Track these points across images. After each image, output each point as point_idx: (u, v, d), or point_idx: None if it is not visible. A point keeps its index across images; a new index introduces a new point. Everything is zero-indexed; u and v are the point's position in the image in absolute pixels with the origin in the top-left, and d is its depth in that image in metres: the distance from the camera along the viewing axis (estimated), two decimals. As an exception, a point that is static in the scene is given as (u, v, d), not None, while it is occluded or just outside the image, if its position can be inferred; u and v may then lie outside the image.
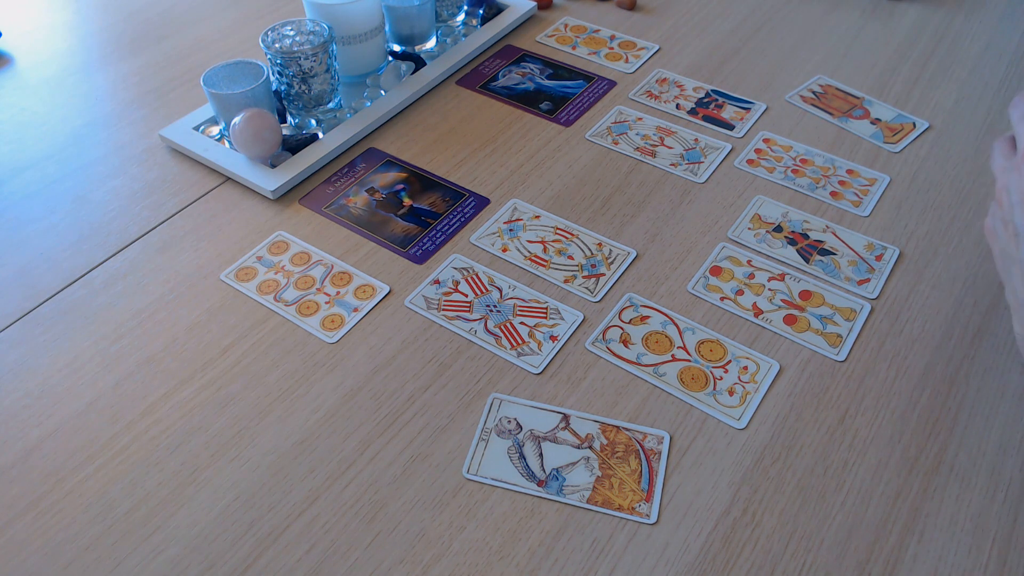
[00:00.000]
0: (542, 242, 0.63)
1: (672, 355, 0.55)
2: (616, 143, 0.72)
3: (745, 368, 0.54)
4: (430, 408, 0.52)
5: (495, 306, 0.58)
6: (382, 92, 0.76)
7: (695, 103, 0.76)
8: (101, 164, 0.71)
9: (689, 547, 0.45)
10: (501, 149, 0.72)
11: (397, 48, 0.81)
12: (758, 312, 0.57)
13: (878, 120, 0.74)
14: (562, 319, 0.57)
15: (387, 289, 0.59)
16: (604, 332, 0.56)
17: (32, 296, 0.60)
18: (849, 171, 0.68)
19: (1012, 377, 0.53)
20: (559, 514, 0.47)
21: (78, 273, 0.62)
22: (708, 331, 0.56)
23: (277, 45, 0.68)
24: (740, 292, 0.59)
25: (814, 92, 0.77)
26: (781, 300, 0.58)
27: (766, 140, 0.72)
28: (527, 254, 0.62)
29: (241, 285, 0.60)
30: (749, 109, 0.75)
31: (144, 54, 0.85)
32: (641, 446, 0.50)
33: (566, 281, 0.60)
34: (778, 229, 0.63)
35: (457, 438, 0.50)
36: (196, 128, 0.72)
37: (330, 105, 0.73)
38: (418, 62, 0.79)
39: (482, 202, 0.67)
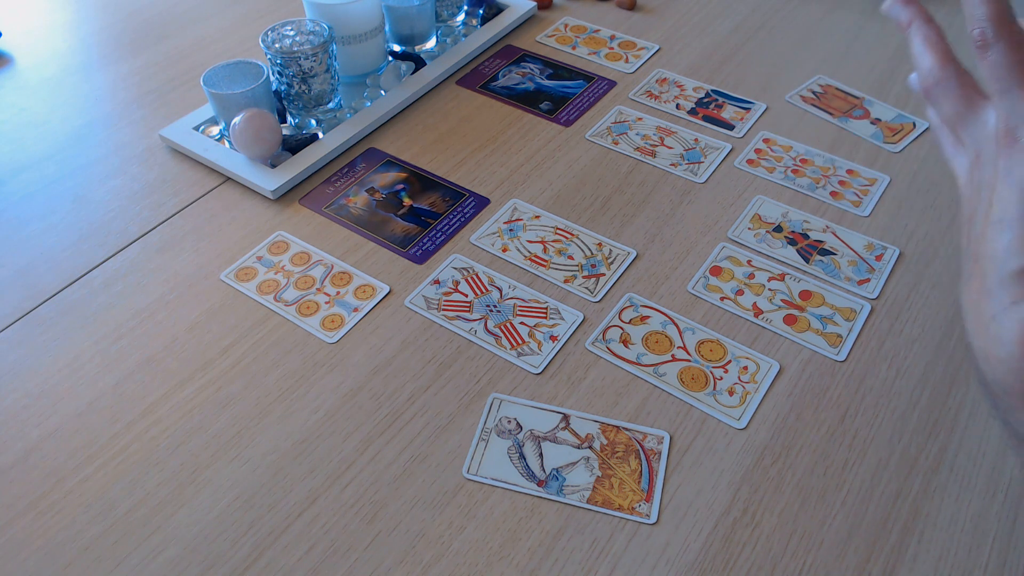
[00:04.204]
0: (542, 242, 0.63)
1: (672, 355, 0.55)
2: (616, 143, 0.72)
3: (745, 368, 0.54)
4: (430, 408, 0.52)
5: (495, 306, 0.58)
6: (382, 92, 0.76)
7: (695, 103, 0.76)
8: (101, 164, 0.71)
9: (689, 547, 0.45)
10: (501, 149, 0.72)
11: (397, 48, 0.81)
12: (758, 312, 0.57)
13: (878, 120, 0.74)
14: (562, 319, 0.57)
15: (387, 289, 0.59)
16: (604, 332, 0.56)
17: (32, 296, 0.60)
18: (849, 171, 0.68)
19: (1012, 377, 0.53)
20: (559, 514, 0.47)
21: (78, 273, 0.62)
22: (708, 331, 0.56)
23: (277, 45, 0.68)
24: (740, 292, 0.59)
25: (814, 92, 0.77)
26: (781, 300, 0.58)
27: (766, 140, 0.72)
28: (527, 254, 0.62)
29: (241, 285, 0.60)
30: (749, 109, 0.75)
31: (144, 54, 0.85)
32: (641, 446, 0.50)
33: (566, 281, 0.60)
34: (778, 229, 0.63)
35: (457, 438, 0.50)
36: (196, 128, 0.72)
37: (330, 105, 0.73)
38: (418, 62, 0.79)
39: (482, 202, 0.67)
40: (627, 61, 0.82)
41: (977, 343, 0.34)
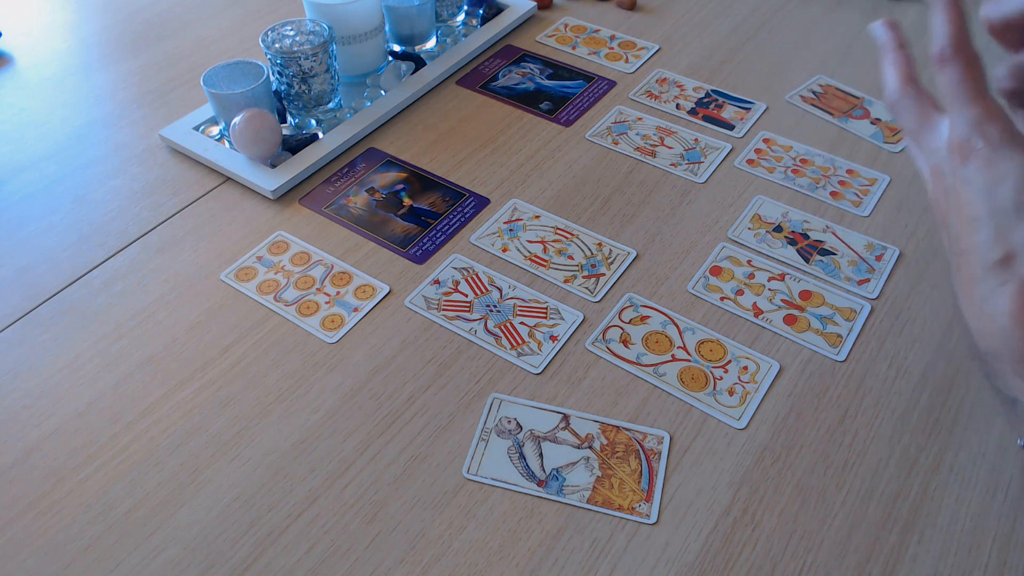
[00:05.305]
0: (542, 242, 0.63)
1: (672, 355, 0.55)
2: (616, 143, 0.72)
3: (745, 368, 0.54)
4: (430, 408, 0.52)
5: (495, 306, 0.58)
6: (382, 92, 0.76)
7: (695, 103, 0.76)
8: (101, 164, 0.71)
9: (689, 547, 0.45)
10: (501, 149, 0.72)
11: (397, 48, 0.81)
12: (758, 312, 0.57)
13: (878, 120, 0.74)
14: (562, 319, 0.57)
15: (387, 289, 0.60)
16: (604, 332, 0.56)
17: (32, 296, 0.60)
18: (849, 171, 0.68)
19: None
20: (559, 514, 0.47)
21: (78, 273, 0.62)
22: (708, 331, 0.56)
23: (277, 45, 0.68)
24: (740, 292, 0.59)
25: (814, 92, 0.77)
26: (781, 300, 0.58)
27: (766, 140, 0.72)
28: (527, 254, 0.62)
29: (241, 285, 0.60)
30: (749, 109, 0.75)
31: (144, 54, 0.85)
32: (641, 446, 0.50)
33: (566, 281, 0.60)
34: (778, 229, 0.63)
35: (457, 438, 0.50)
36: (196, 128, 0.72)
37: (330, 105, 0.73)
38: (418, 62, 0.79)
39: (482, 202, 0.67)
40: (627, 61, 0.82)
41: (973, 323, 0.39)
